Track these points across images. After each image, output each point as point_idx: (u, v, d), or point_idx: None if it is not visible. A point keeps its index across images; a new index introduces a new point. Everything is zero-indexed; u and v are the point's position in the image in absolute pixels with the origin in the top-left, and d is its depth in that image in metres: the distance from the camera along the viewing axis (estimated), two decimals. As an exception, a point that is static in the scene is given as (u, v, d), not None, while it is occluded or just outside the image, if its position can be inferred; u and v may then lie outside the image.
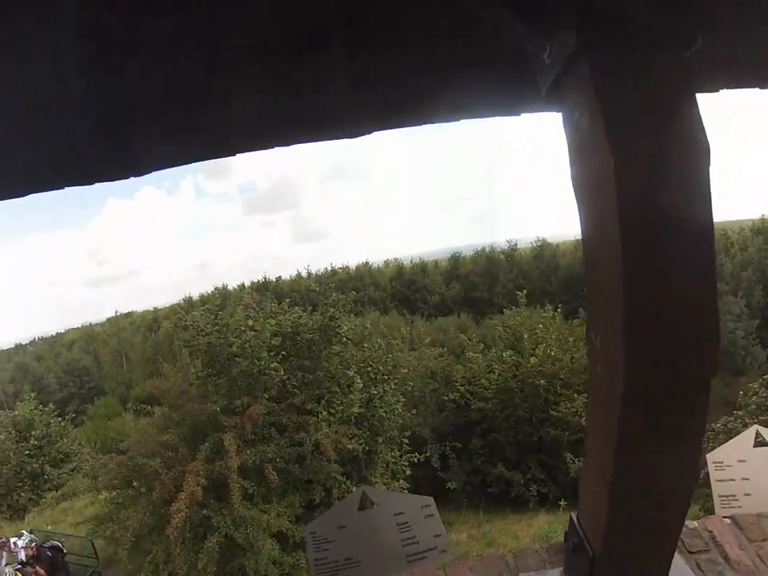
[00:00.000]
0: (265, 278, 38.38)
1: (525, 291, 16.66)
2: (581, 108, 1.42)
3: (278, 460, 9.83)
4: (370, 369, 11.49)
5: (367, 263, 40.60)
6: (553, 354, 14.04)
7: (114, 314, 54.15)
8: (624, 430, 1.48)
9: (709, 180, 1.34)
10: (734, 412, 12.17)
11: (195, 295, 41.46)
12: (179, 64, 1.48)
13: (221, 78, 1.54)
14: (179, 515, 8.80)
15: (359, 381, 11.06)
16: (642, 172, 1.30)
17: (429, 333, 22.54)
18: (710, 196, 1.34)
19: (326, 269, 40.67)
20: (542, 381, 13.63)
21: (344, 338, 11.24)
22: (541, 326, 15.02)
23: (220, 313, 11.50)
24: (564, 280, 31.97)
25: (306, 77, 1.57)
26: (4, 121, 1.45)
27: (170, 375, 13.11)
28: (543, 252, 34.95)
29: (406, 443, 12.28)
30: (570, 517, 2.00)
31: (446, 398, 14.71)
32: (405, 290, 36.78)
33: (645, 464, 1.54)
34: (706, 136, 1.33)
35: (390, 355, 12.87)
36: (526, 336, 14.80)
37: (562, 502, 12.06)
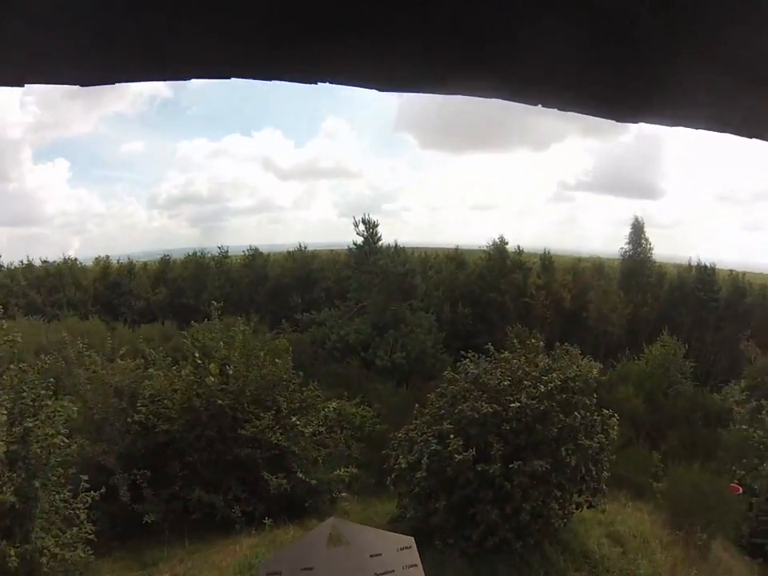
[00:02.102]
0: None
1: (221, 303, 16.11)
2: None
3: None
4: (24, 395, 9.87)
5: (71, 260, 36.22)
6: (232, 372, 13.65)
7: None
8: None
9: None
10: (414, 421, 13.26)
11: None
12: None
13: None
14: None
15: (4, 412, 9.43)
16: None
17: (131, 341, 20.71)
18: None
19: (22, 262, 34.95)
20: (225, 401, 13.18)
21: None
22: (222, 342, 14.57)
23: None
24: (272, 290, 32.43)
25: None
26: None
27: None
28: (254, 261, 34.96)
29: (85, 479, 10.54)
30: None
31: (129, 420, 13.23)
32: (109, 293, 33.57)
33: None
34: None
35: (52, 380, 11.27)
36: (196, 354, 14.16)
37: (266, 521, 11.91)
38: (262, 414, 13.39)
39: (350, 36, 1.52)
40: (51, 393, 10.65)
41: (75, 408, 11.85)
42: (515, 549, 10.91)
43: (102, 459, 12.48)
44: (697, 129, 1.91)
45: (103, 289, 34.05)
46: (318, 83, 1.67)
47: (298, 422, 13.73)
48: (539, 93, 1.79)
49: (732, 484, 14.04)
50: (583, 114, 1.88)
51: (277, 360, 14.45)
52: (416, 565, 3.36)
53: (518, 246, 32.02)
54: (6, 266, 34.12)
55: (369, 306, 25.93)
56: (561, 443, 11.08)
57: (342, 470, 13.87)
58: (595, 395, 12.02)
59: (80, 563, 9.66)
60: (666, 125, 1.93)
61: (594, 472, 11.47)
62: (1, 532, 8.71)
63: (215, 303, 15.81)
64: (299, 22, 1.46)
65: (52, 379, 11.09)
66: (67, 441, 10.21)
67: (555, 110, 1.86)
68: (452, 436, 11.20)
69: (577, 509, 11.83)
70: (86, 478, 10.59)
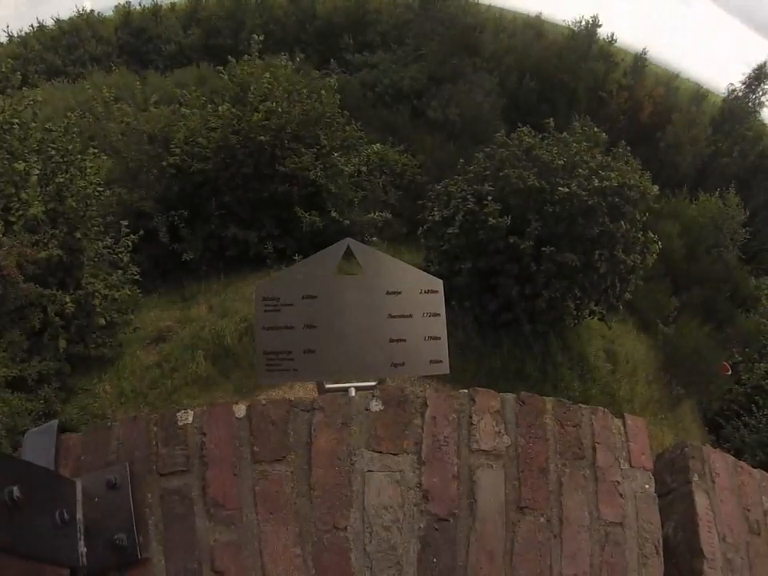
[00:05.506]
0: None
1: (262, 36, 14.85)
2: None
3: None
4: (53, 153, 9.53)
5: (87, 11, 32.55)
6: (280, 109, 12.81)
7: None
8: None
9: None
10: (455, 177, 12.51)
11: None
12: None
13: None
14: None
15: (36, 173, 9.20)
16: None
17: (163, 88, 19.76)
18: None
19: (32, 26, 31.49)
20: (266, 137, 12.61)
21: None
22: (268, 74, 13.50)
23: None
24: (320, 29, 29.59)
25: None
26: None
27: None
28: (302, -4, 31.52)
29: (125, 224, 10.86)
30: None
31: (164, 164, 13.01)
32: (134, 41, 30.47)
33: None
34: None
35: (77, 129, 10.78)
36: (252, 88, 13.27)
37: (296, 257, 11.87)
38: (303, 150, 12.93)
39: None
40: (81, 148, 10.35)
41: (105, 157, 11.72)
42: (524, 330, 11.04)
43: (140, 205, 12.66)
44: None
45: (128, 37, 30.57)
46: None
47: (338, 160, 13.24)
48: None
49: (724, 362, 14.08)
50: None
51: (323, 92, 13.55)
52: (438, 314, 2.62)
53: (612, 34, 27.30)
54: (16, 34, 30.94)
55: (428, 55, 23.32)
56: (597, 247, 10.40)
57: (377, 213, 13.61)
58: (646, 215, 11.04)
59: (129, 301, 10.54)
60: None
61: (618, 288, 10.99)
62: (55, 285, 9.21)
63: (256, 37, 14.60)
64: None
65: (76, 130, 10.77)
66: (101, 190, 10.26)
67: None
68: (490, 198, 10.61)
69: (589, 315, 11.58)
70: (125, 223, 10.92)
